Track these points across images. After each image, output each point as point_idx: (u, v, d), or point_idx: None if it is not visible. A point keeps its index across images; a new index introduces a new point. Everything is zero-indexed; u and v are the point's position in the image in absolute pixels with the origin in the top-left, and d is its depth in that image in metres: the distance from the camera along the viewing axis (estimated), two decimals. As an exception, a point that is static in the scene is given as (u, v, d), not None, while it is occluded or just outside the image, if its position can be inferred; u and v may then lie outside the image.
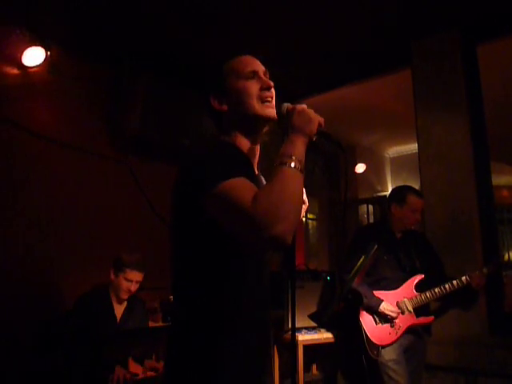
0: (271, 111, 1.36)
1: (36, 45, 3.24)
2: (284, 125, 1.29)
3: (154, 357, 3.02)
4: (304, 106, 1.30)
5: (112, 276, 2.93)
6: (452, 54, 3.32)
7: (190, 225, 1.27)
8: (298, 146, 1.21)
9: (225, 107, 1.38)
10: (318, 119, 1.27)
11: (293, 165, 1.16)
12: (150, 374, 2.84)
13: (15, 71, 3.27)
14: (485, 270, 2.83)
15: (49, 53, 3.31)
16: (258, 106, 1.35)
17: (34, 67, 3.31)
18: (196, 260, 1.27)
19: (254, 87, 1.36)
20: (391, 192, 3.33)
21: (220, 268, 1.26)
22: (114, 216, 3.68)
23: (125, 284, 2.91)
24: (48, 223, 3.34)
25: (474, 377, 2.87)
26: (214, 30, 3.41)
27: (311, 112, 1.28)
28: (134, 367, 2.81)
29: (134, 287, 2.93)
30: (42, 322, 3.06)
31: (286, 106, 1.32)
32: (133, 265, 2.91)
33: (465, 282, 2.82)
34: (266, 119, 1.36)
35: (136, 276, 2.93)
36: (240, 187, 1.14)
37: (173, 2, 3.07)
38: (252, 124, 1.38)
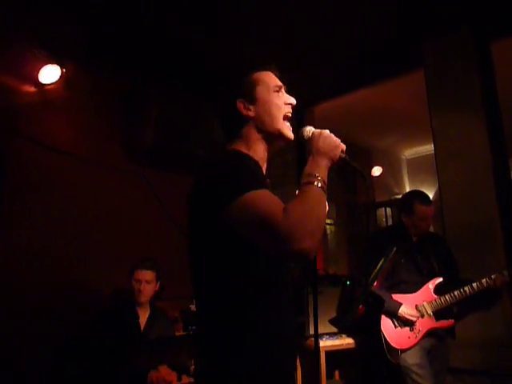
0: (290, 133, 1.46)
1: (51, 63, 3.32)
2: (308, 146, 1.38)
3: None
4: (327, 131, 1.39)
5: (131, 286, 3.00)
6: (465, 53, 3.28)
7: (210, 234, 1.27)
8: (323, 169, 1.29)
9: (252, 113, 1.44)
10: (341, 146, 1.37)
11: (319, 185, 1.23)
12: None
13: (32, 89, 3.34)
14: (505, 273, 2.76)
15: (64, 70, 3.38)
16: (281, 122, 1.44)
17: (50, 84, 3.38)
18: (218, 268, 1.28)
19: (280, 100, 1.46)
20: (400, 201, 3.31)
21: (244, 275, 1.28)
22: (132, 227, 3.72)
23: (136, 286, 2.95)
24: (70, 235, 3.39)
25: (501, 379, 2.81)
26: (227, 40, 3.44)
27: (335, 138, 1.37)
28: (169, 374, 2.80)
29: (144, 287, 2.95)
30: (68, 333, 3.12)
31: (310, 129, 1.42)
32: (139, 264, 2.98)
33: (485, 284, 2.77)
34: (285, 138, 1.45)
35: (144, 275, 2.96)
36: (267, 199, 1.19)
37: (185, 15, 3.12)
38: (272, 136, 1.45)
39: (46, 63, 3.30)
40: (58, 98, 3.47)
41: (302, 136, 1.44)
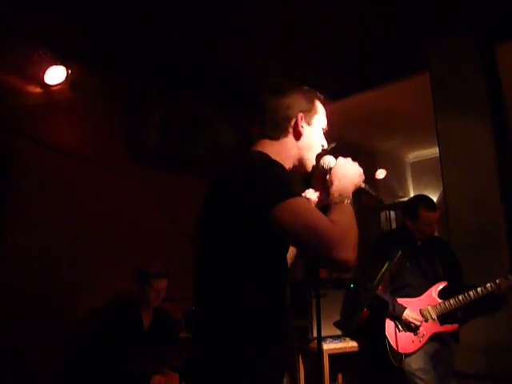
0: (310, 169, 1.55)
1: (57, 64, 3.33)
2: (329, 173, 1.48)
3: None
4: (350, 159, 1.50)
5: (139, 290, 3.00)
6: (470, 55, 3.27)
7: (238, 233, 1.29)
8: (349, 192, 1.39)
9: (302, 132, 1.49)
10: (362, 176, 1.47)
11: (349, 203, 1.34)
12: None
13: (38, 90, 3.36)
14: (510, 277, 2.73)
15: (69, 71, 3.39)
16: (313, 159, 1.53)
17: (55, 85, 3.39)
18: (235, 267, 1.30)
19: (322, 141, 1.55)
20: (404, 206, 3.30)
21: (260, 276, 1.30)
22: (136, 228, 3.73)
23: (154, 294, 2.99)
24: (72, 236, 3.40)
25: (506, 384, 2.79)
26: (227, 40, 3.44)
27: (358, 167, 1.48)
28: (171, 376, 2.84)
29: (160, 295, 3.02)
30: (74, 336, 3.15)
31: (331, 159, 1.51)
32: (157, 274, 3.00)
33: (489, 289, 2.75)
34: (305, 171, 1.55)
35: (162, 284, 3.02)
36: (312, 208, 1.29)
37: (186, 15, 3.12)
38: (300, 163, 1.52)
39: (52, 64, 3.31)
40: (64, 98, 3.48)
41: (323, 165, 1.52)
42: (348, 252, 1.17)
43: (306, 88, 1.54)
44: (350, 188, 1.41)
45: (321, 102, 1.56)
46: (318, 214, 1.23)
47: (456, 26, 3.26)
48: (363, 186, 1.48)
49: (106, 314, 3.01)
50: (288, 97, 1.47)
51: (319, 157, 1.54)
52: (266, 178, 1.28)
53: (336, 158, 1.52)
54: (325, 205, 1.43)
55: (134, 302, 3.05)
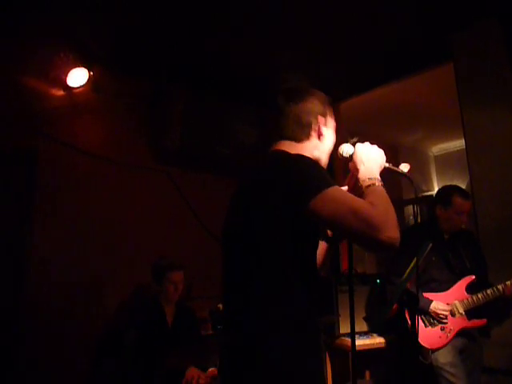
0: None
1: (79, 66, 3.37)
2: (351, 160, 1.53)
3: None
4: (368, 143, 1.54)
5: (156, 285, 3.06)
6: (494, 44, 3.19)
7: (278, 226, 1.32)
8: (377, 173, 1.44)
9: (324, 134, 1.56)
10: (384, 156, 1.52)
11: (382, 185, 1.39)
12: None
13: (61, 92, 3.41)
14: None
15: (91, 73, 3.44)
16: (327, 159, 1.60)
17: (78, 87, 3.44)
18: (277, 259, 1.33)
19: (334, 141, 1.62)
20: (437, 193, 3.24)
21: (300, 269, 1.34)
22: (159, 226, 3.76)
23: (171, 287, 3.03)
24: (96, 235, 3.45)
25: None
26: (250, 41, 3.43)
27: (378, 148, 1.53)
28: (201, 376, 2.82)
29: (179, 287, 3.06)
30: (100, 335, 3.20)
31: (349, 146, 1.57)
32: (172, 266, 3.06)
33: None
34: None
35: (179, 276, 3.07)
36: (350, 194, 1.32)
37: (209, 17, 3.12)
38: (319, 162, 1.55)
39: (74, 66, 3.36)
40: (86, 100, 3.52)
41: (342, 154, 1.58)
42: (393, 230, 1.21)
43: (318, 91, 1.62)
44: (377, 169, 1.45)
45: (329, 104, 1.63)
46: (358, 199, 1.28)
47: (480, 16, 3.19)
48: (387, 165, 1.53)
49: (131, 310, 3.06)
50: (306, 101, 1.55)
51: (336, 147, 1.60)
52: (303, 170, 1.33)
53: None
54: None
55: (156, 297, 3.09)
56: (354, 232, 1.24)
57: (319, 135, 1.55)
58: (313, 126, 1.54)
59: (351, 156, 1.54)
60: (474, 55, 3.29)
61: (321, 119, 1.55)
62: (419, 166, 6.18)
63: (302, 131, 1.53)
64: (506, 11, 3.14)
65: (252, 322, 1.31)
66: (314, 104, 1.55)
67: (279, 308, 1.30)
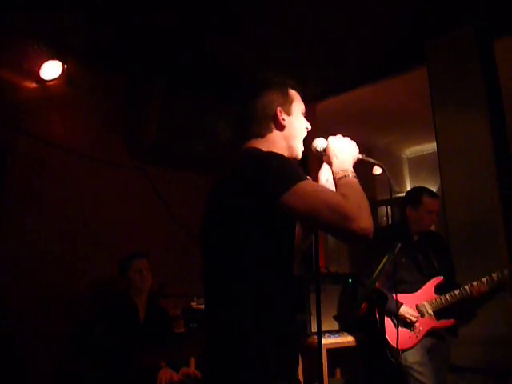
0: (300, 155, 1.61)
1: (53, 58, 3.31)
2: (325, 155, 1.55)
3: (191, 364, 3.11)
4: (340, 135, 1.56)
5: (124, 279, 3.09)
6: (467, 51, 3.26)
7: (251, 225, 1.32)
8: (350, 165, 1.45)
9: (285, 124, 1.55)
10: (357, 148, 1.54)
11: (355, 176, 1.40)
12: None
13: (34, 85, 3.33)
14: (506, 271, 2.77)
15: (65, 66, 3.37)
16: (301, 144, 1.60)
17: (51, 80, 3.37)
18: (250, 258, 1.33)
19: (305, 124, 1.62)
20: (406, 194, 3.31)
21: (273, 267, 1.35)
22: (134, 224, 3.71)
23: (137, 275, 3.05)
24: (68, 233, 3.38)
25: (503, 377, 2.80)
26: (227, 39, 3.43)
27: (351, 140, 1.54)
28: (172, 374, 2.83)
29: (146, 274, 3.08)
30: (72, 332, 3.18)
31: (322, 140, 1.58)
32: (134, 255, 3.11)
33: (486, 283, 2.78)
34: (296, 158, 1.59)
35: (142, 263, 3.10)
36: (322, 187, 1.39)
37: (184, 14, 3.10)
38: (289, 151, 1.57)
39: (48, 59, 3.29)
40: (60, 94, 3.45)
41: (315, 148, 1.60)
42: (365, 221, 1.23)
43: (276, 81, 1.62)
44: (350, 161, 1.47)
45: (293, 89, 1.63)
46: (330, 191, 1.33)
47: (454, 23, 3.26)
48: (361, 156, 1.55)
49: (103, 307, 3.02)
50: (263, 96, 1.56)
51: (309, 144, 1.61)
52: (273, 165, 1.33)
53: None
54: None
55: (126, 293, 3.08)
56: (327, 224, 1.25)
57: (281, 126, 1.55)
58: (272, 118, 1.54)
59: (325, 150, 1.56)
60: (447, 61, 3.36)
61: (279, 110, 1.55)
62: (392, 168, 6.27)
63: (262, 126, 1.54)
64: (480, 18, 3.21)
65: (230, 321, 1.31)
66: (270, 97, 1.56)
67: (257, 307, 1.31)
